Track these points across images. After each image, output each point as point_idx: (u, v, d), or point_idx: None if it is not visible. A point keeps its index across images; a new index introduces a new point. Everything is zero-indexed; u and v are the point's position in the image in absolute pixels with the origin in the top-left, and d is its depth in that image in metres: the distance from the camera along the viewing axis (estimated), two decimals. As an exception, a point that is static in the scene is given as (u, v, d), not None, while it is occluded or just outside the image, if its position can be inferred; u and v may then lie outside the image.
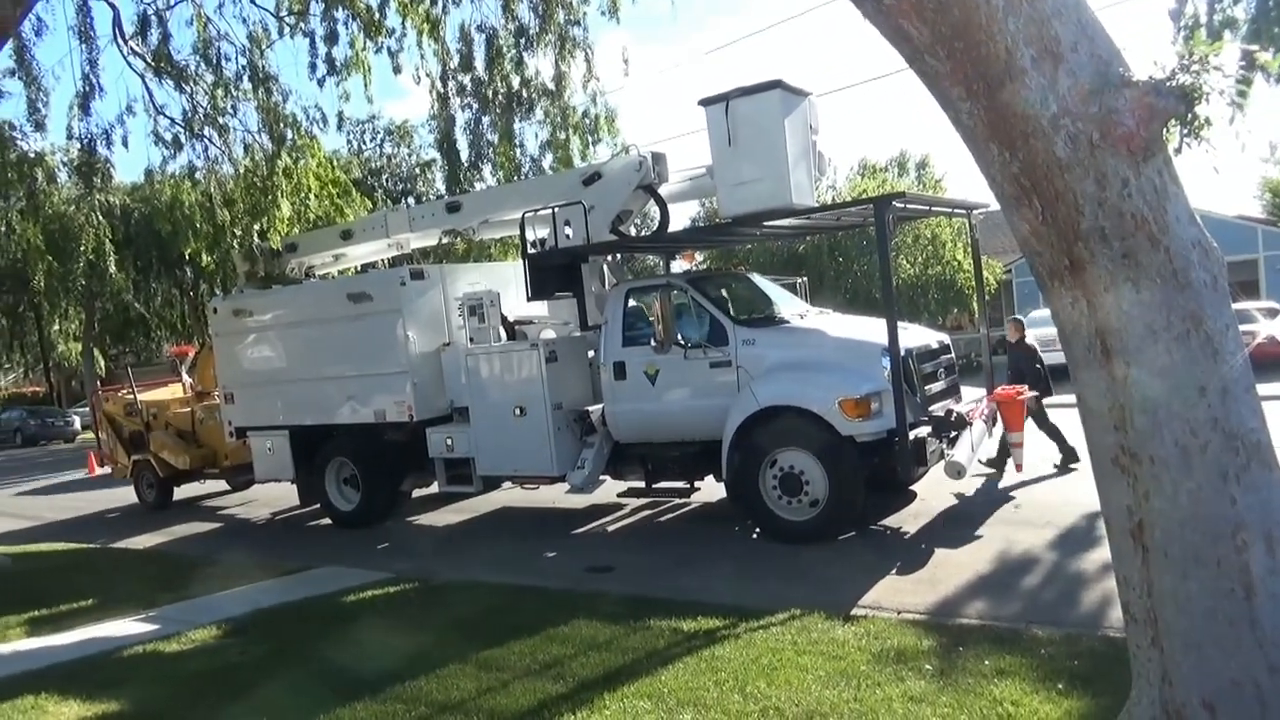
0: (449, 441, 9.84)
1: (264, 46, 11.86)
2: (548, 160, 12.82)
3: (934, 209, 10.88)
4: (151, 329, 37.64)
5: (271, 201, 12.12)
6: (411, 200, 31.34)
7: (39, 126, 12.01)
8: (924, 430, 7.81)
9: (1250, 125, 2.85)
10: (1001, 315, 27.70)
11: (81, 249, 19.79)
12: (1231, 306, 2.95)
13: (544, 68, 12.16)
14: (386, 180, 35.50)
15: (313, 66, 11.69)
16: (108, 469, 15.48)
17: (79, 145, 12.12)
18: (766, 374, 7.99)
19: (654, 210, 9.93)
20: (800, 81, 8.21)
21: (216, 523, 12.76)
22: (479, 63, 12.03)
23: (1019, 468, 8.65)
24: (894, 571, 6.70)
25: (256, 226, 12.36)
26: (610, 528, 9.43)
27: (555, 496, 10.13)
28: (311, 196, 12.71)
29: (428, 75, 12.11)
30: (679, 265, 12.22)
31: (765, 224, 8.59)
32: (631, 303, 8.99)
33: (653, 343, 8.40)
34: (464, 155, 12.90)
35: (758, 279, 10.00)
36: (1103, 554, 5.91)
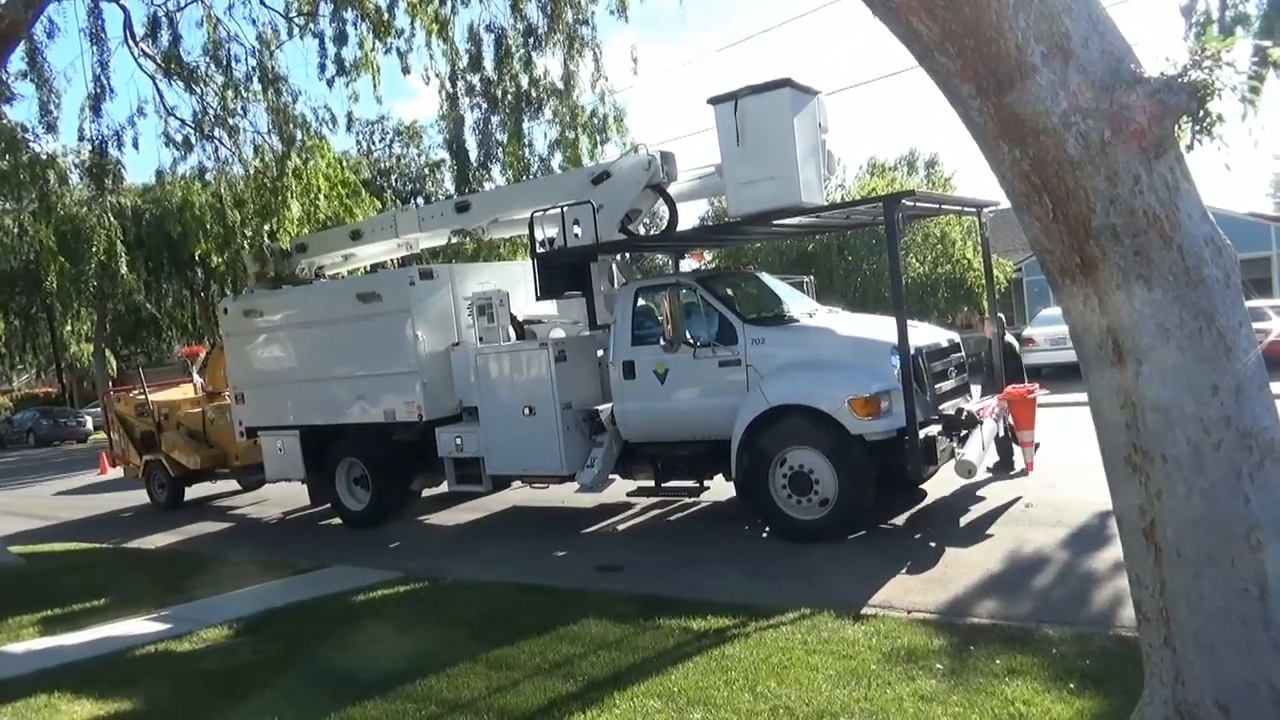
0: (458, 441, 9.86)
1: (273, 47, 11.92)
2: (556, 160, 12.84)
3: (943, 207, 10.84)
4: (162, 329, 37.85)
5: (281, 202, 12.18)
6: (421, 200, 31.42)
7: (51, 128, 12.11)
8: (934, 429, 7.79)
9: (1263, 122, 2.83)
10: (1012, 314, 27.71)
11: (93, 250, 19.88)
12: (1244, 304, 2.93)
13: (553, 67, 12.20)
14: (396, 180, 35.59)
15: (322, 67, 11.76)
16: (119, 469, 15.57)
17: (90, 147, 12.22)
18: (776, 373, 7.98)
19: (663, 209, 9.92)
20: (809, 80, 8.20)
21: (228, 522, 12.82)
22: (488, 63, 12.06)
23: (1030, 467, 8.62)
24: (904, 571, 6.68)
25: (266, 227, 12.43)
26: (620, 527, 9.43)
27: (565, 496, 10.14)
28: (321, 197, 12.76)
29: (437, 75, 12.15)
30: (688, 264, 12.20)
31: (774, 223, 8.57)
32: (640, 302, 8.99)
33: (662, 342, 8.40)
34: (473, 155, 12.95)
35: (767, 278, 9.99)
36: (1114, 553, 5.89)
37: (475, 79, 12.22)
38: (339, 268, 12.77)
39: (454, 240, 11.64)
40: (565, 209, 9.25)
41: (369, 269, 13.35)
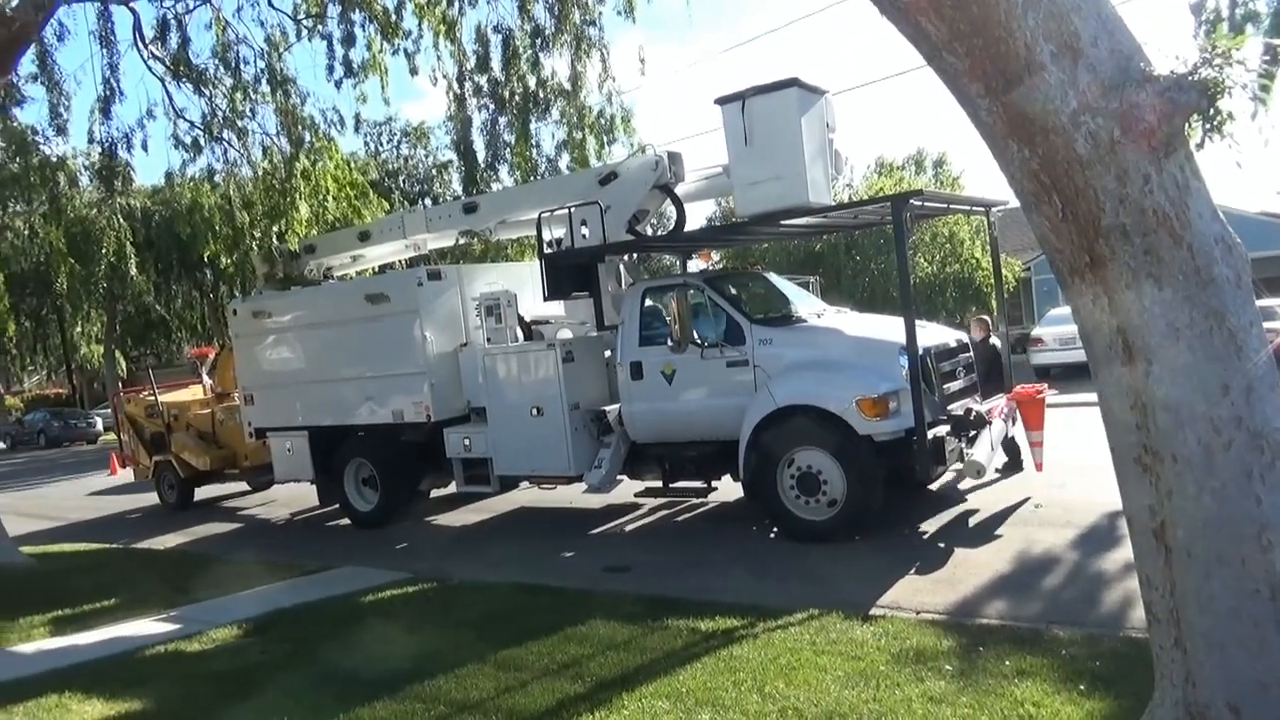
0: (466, 442, 9.87)
1: (282, 49, 11.95)
2: (564, 160, 12.85)
3: (952, 207, 10.82)
4: (172, 331, 38.07)
5: (290, 203, 12.22)
6: (428, 201, 31.51)
7: (61, 131, 12.17)
8: (943, 429, 7.77)
9: (1273, 120, 2.82)
10: (1021, 314, 27.63)
11: (103, 252, 20.00)
12: (1255, 303, 2.91)
13: (560, 68, 12.20)
14: (404, 181, 35.72)
15: (330, 69, 11.77)
16: (129, 470, 15.64)
17: (100, 149, 12.26)
18: (784, 373, 7.97)
19: (670, 210, 9.92)
20: (816, 79, 8.19)
21: (237, 523, 12.86)
22: (495, 63, 12.07)
23: (1038, 467, 8.59)
24: (913, 571, 6.67)
25: (275, 228, 12.46)
26: (628, 527, 9.43)
27: (572, 496, 10.15)
28: (329, 198, 12.79)
29: (444, 76, 12.17)
30: (695, 264, 12.20)
31: (782, 223, 8.56)
32: (648, 302, 8.99)
33: (669, 342, 8.40)
34: (481, 156, 12.95)
35: (774, 278, 9.98)
36: (1124, 553, 5.87)
37: (483, 80, 12.23)
38: (347, 269, 12.81)
39: (462, 241, 11.66)
40: (573, 210, 9.26)
41: (377, 270, 13.39)
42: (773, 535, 8.12)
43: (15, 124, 12.28)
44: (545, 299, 9.55)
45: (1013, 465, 9.26)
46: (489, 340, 9.67)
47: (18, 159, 12.59)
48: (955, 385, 8.48)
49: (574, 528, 9.65)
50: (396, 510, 10.73)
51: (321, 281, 12.40)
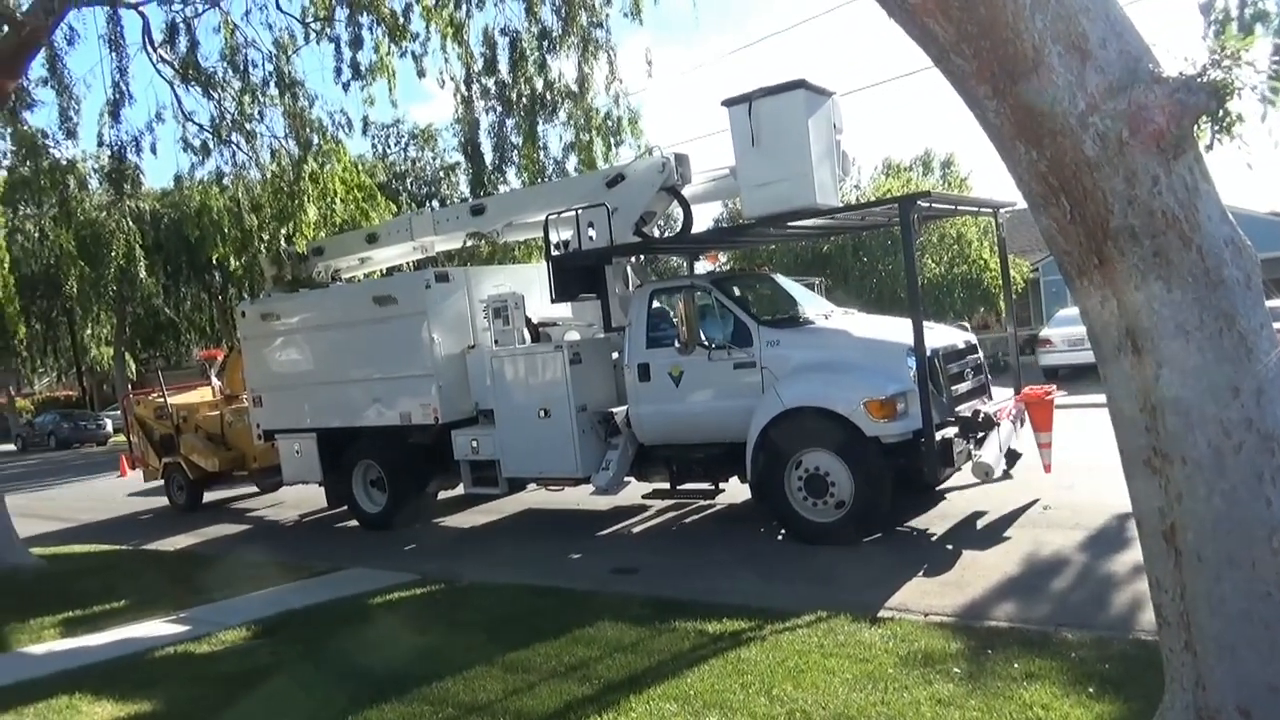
0: (474, 444, 9.88)
1: (290, 52, 11.98)
2: (571, 162, 12.85)
3: (959, 208, 10.79)
4: (181, 333, 38.24)
5: (298, 206, 12.25)
6: (436, 203, 31.58)
7: (71, 134, 12.21)
8: (951, 431, 7.75)
9: (1283, 121, 2.80)
10: (1030, 315, 27.55)
11: (112, 255, 20.07)
12: (1265, 305, 2.90)
13: (567, 70, 12.21)
14: (411, 184, 35.78)
15: (338, 71, 11.80)
16: (138, 471, 15.71)
17: (109, 152, 12.31)
18: (791, 375, 7.96)
19: (677, 211, 9.92)
20: (824, 81, 8.19)
21: (246, 524, 12.90)
22: (502, 66, 12.08)
23: (1047, 469, 8.56)
24: (921, 573, 6.65)
25: (283, 231, 12.51)
26: (635, 529, 9.43)
27: (580, 498, 10.15)
28: (337, 201, 12.82)
29: (452, 79, 12.18)
30: (703, 266, 12.19)
31: (789, 224, 8.56)
32: (655, 304, 8.99)
33: (677, 344, 8.39)
34: (488, 158, 12.97)
35: (782, 279, 9.97)
36: (1133, 556, 5.84)
37: (490, 82, 12.24)
38: (355, 271, 12.84)
39: (469, 243, 11.67)
40: (580, 212, 9.27)
41: (385, 272, 13.41)
42: (780, 537, 8.11)
43: (26, 127, 12.32)
44: (553, 301, 9.56)
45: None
46: (496, 342, 9.68)
47: (28, 162, 12.64)
48: (963, 387, 8.46)
49: (581, 529, 9.66)
50: (404, 512, 10.74)
51: (329, 284, 12.43)
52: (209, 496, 14.55)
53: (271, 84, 12.04)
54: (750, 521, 8.71)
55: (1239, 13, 3.20)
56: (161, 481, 14.77)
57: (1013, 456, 8.90)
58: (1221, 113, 2.75)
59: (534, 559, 8.54)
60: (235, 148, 12.43)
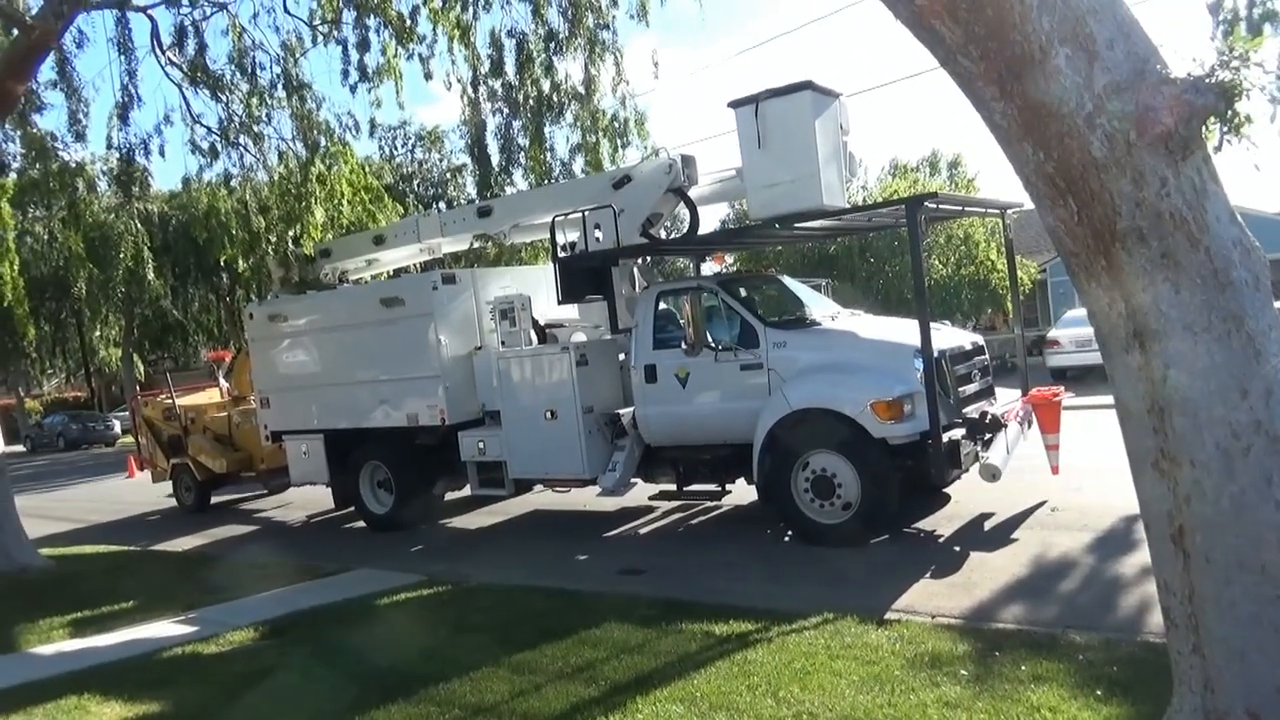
0: (481, 445, 9.90)
1: (297, 55, 12.02)
2: (578, 164, 12.86)
3: (967, 209, 10.77)
4: (189, 334, 38.39)
5: (305, 208, 12.29)
6: (443, 205, 31.60)
7: (79, 137, 12.26)
8: (958, 432, 7.74)
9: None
10: (1037, 316, 27.45)
11: (121, 256, 20.20)
12: (1274, 306, 2.89)
13: (574, 72, 12.22)
14: (418, 185, 35.84)
15: (345, 74, 11.84)
16: (146, 472, 15.76)
17: (118, 155, 12.36)
18: (798, 376, 7.95)
19: (684, 213, 9.92)
20: (830, 82, 8.18)
21: (253, 525, 12.93)
22: (509, 67, 12.10)
23: (1055, 470, 8.53)
24: (928, 575, 6.64)
25: (291, 233, 12.54)
26: (642, 531, 9.43)
27: (587, 499, 10.15)
28: (344, 202, 12.85)
29: (458, 81, 12.20)
30: (709, 268, 12.20)
31: (796, 225, 8.55)
32: (662, 305, 8.99)
33: (683, 345, 8.40)
34: (495, 160, 12.98)
35: (788, 281, 9.96)
36: (1141, 557, 5.82)
37: (497, 84, 12.26)
38: (362, 272, 12.87)
39: (476, 245, 11.69)
40: (586, 213, 9.27)
41: (392, 274, 13.44)
42: (787, 539, 8.10)
43: (35, 130, 12.39)
44: (559, 302, 9.57)
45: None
46: (503, 344, 9.70)
47: (37, 165, 12.69)
48: (971, 388, 8.44)
49: (588, 531, 9.66)
50: (411, 513, 10.76)
51: (337, 285, 12.47)
52: (216, 498, 14.59)
53: (279, 86, 12.09)
54: (757, 523, 8.71)
55: (1248, 13, 3.19)
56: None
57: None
58: (1230, 114, 2.74)
59: (541, 560, 8.55)
60: (243, 150, 12.47)
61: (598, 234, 9.29)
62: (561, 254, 9.50)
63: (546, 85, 12.16)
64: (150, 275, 23.88)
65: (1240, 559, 2.79)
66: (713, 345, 8.33)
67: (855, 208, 9.23)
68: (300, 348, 11.74)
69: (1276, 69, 2.75)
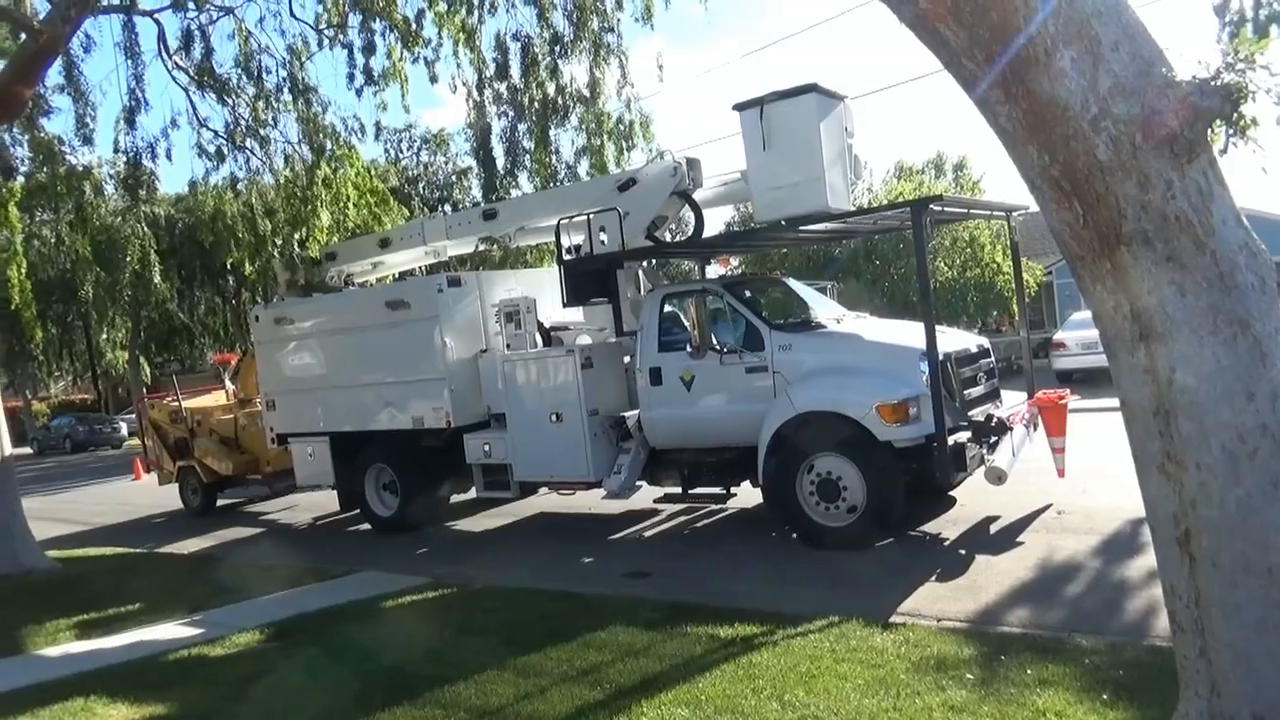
0: (486, 447, 9.90)
1: (303, 59, 12.05)
2: (583, 167, 12.88)
3: (972, 211, 10.76)
4: (195, 337, 38.49)
5: (311, 211, 12.32)
6: (448, 208, 31.64)
7: (87, 140, 12.33)
8: (963, 435, 7.72)
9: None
10: (1043, 318, 27.39)
11: (128, 259, 20.22)
12: (1280, 309, 2.89)
13: (579, 74, 12.24)
14: (423, 188, 35.86)
15: (351, 77, 11.86)
16: (153, 474, 15.80)
17: (125, 158, 12.40)
18: (803, 379, 7.95)
19: (689, 215, 9.92)
20: (835, 84, 8.18)
21: (259, 528, 12.95)
22: (514, 71, 12.13)
23: (1060, 473, 8.51)
24: (934, 578, 6.63)
25: (297, 236, 12.57)
26: (647, 533, 9.43)
27: (592, 502, 10.16)
28: (350, 205, 12.88)
29: (464, 84, 12.23)
30: (714, 270, 12.18)
31: (801, 228, 8.55)
32: (667, 308, 9.00)
33: (688, 348, 8.40)
34: (500, 162, 13.03)
35: (794, 283, 9.96)
36: (1148, 561, 5.80)
37: (502, 87, 12.29)
38: (368, 275, 12.89)
39: (481, 247, 11.70)
40: (591, 216, 9.28)
41: (397, 276, 13.47)
42: (792, 541, 8.09)
43: (43, 134, 12.45)
44: (564, 305, 9.57)
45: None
46: (508, 346, 9.71)
47: (45, 168, 12.76)
48: (976, 391, 8.43)
49: (593, 533, 9.66)
50: (417, 515, 10.77)
51: (342, 288, 12.49)
52: (222, 500, 14.61)
53: (285, 90, 12.13)
54: (762, 526, 8.70)
55: (1254, 14, 3.18)
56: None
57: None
58: (1236, 116, 2.74)
59: (546, 563, 8.55)
60: (249, 153, 12.51)
61: (603, 237, 9.30)
62: (567, 257, 9.51)
63: (551, 88, 12.18)
64: (157, 278, 23.90)
65: (1246, 563, 2.78)
66: (718, 348, 8.33)
67: (860, 210, 9.23)
68: (306, 350, 11.76)
69: (1283, 71, 2.74)
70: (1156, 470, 2.93)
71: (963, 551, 7.34)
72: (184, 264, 31.24)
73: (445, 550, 9.87)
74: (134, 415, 26.06)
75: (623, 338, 9.37)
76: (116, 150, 12.37)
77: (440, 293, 10.08)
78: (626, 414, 9.04)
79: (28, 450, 37.95)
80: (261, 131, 12.33)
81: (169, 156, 12.63)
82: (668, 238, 10.51)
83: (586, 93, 12.22)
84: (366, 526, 11.35)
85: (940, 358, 7.47)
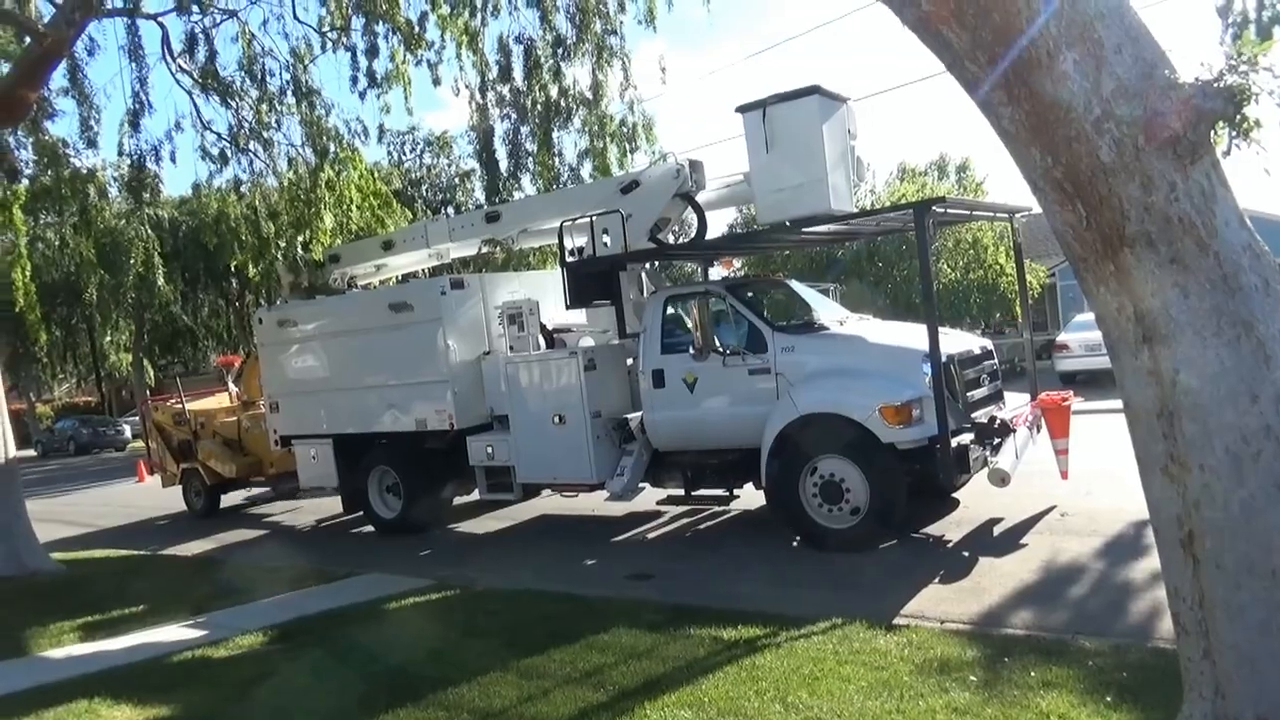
0: (489, 449, 9.91)
1: (307, 61, 12.06)
2: (586, 169, 12.87)
3: (975, 213, 10.75)
4: (199, 339, 38.54)
5: (315, 213, 12.32)
6: (451, 210, 31.66)
7: (91, 143, 12.32)
8: (966, 437, 7.72)
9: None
10: (1046, 320, 27.36)
11: (132, 262, 20.28)
12: (1284, 310, 2.88)
13: (582, 77, 12.23)
14: (426, 191, 35.90)
15: (354, 80, 11.85)
16: (156, 477, 15.82)
17: (129, 161, 12.41)
18: (806, 381, 7.94)
19: (692, 217, 9.93)
20: (838, 86, 8.18)
21: (262, 530, 12.97)
22: (517, 73, 12.12)
23: (1064, 475, 8.50)
24: (937, 580, 6.62)
25: (300, 238, 12.58)
26: (650, 535, 9.43)
27: (595, 504, 10.16)
28: (353, 208, 12.88)
29: (467, 86, 12.21)
30: (717, 272, 12.18)
31: (804, 230, 8.55)
32: (670, 310, 9.00)
33: (691, 350, 8.40)
34: (503, 165, 13.01)
35: (796, 285, 9.96)
36: (1151, 563, 5.79)
37: (505, 89, 12.28)
38: (371, 278, 12.91)
39: (484, 250, 11.69)
40: (594, 218, 9.29)
41: (400, 279, 13.48)
42: (795, 543, 8.09)
43: (47, 137, 12.47)
44: (567, 307, 9.59)
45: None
46: (511, 348, 9.71)
47: (49, 171, 12.78)
48: (979, 393, 8.42)
49: (596, 535, 9.66)
50: (420, 517, 10.78)
51: (346, 290, 12.50)
52: (226, 502, 14.63)
53: (289, 93, 12.12)
54: (765, 528, 8.70)
55: (1257, 16, 3.18)
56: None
57: None
58: (1239, 118, 2.74)
59: (548, 564, 8.55)
60: (253, 156, 12.52)
61: (606, 239, 9.30)
62: (570, 259, 9.52)
63: (554, 91, 12.18)
64: (160, 281, 24.00)
65: (1250, 564, 2.78)
66: (720, 350, 8.33)
67: (863, 212, 9.23)
68: (309, 353, 11.78)
69: (1285, 73, 2.74)
70: (1160, 472, 2.92)
71: (966, 553, 7.33)
72: (187, 266, 31.30)
73: (448, 552, 9.87)
74: (137, 418, 26.10)
75: (625, 340, 9.37)
76: (120, 153, 12.37)
77: (443, 295, 10.09)
78: (629, 416, 9.04)
79: (32, 453, 38.01)
80: (265, 134, 12.34)
81: (173, 159, 12.66)
82: (671, 240, 10.51)
83: (589, 95, 12.22)
84: (369, 528, 11.35)
85: (943, 359, 7.46)
